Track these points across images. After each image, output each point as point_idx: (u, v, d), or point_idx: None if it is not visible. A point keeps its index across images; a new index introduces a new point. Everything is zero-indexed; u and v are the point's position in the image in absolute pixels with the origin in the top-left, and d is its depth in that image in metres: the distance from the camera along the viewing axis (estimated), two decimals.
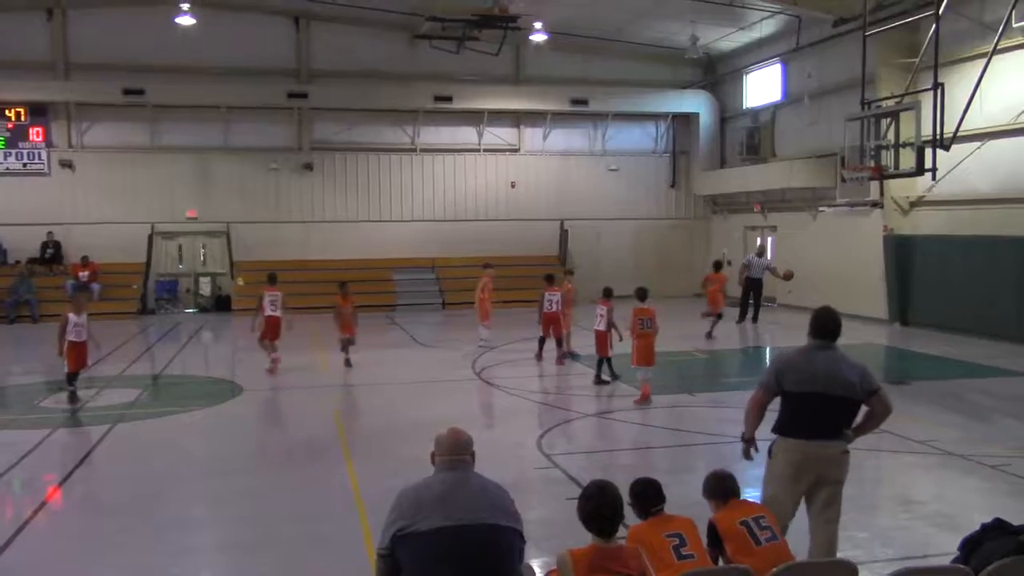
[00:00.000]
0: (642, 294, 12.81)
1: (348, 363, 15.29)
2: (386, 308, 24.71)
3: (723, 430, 10.65)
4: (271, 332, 15.04)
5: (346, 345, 15.47)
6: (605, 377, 13.41)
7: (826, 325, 5.67)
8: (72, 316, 12.23)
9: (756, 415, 5.81)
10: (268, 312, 15.04)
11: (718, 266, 20.48)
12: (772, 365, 5.77)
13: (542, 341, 15.82)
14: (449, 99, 26.14)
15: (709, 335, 18.68)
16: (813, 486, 5.59)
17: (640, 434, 10.82)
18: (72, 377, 12.24)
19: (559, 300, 15.58)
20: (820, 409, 5.50)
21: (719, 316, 18.98)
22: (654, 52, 27.13)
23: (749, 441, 5.85)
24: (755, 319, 20.82)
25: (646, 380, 12.20)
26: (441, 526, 3.87)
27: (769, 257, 22.71)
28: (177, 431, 11.18)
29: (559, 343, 15.63)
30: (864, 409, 5.64)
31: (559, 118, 27.75)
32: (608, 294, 13.83)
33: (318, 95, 25.77)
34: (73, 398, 12.17)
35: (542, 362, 15.72)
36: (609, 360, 13.42)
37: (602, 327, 13.31)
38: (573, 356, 15.83)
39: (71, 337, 12.11)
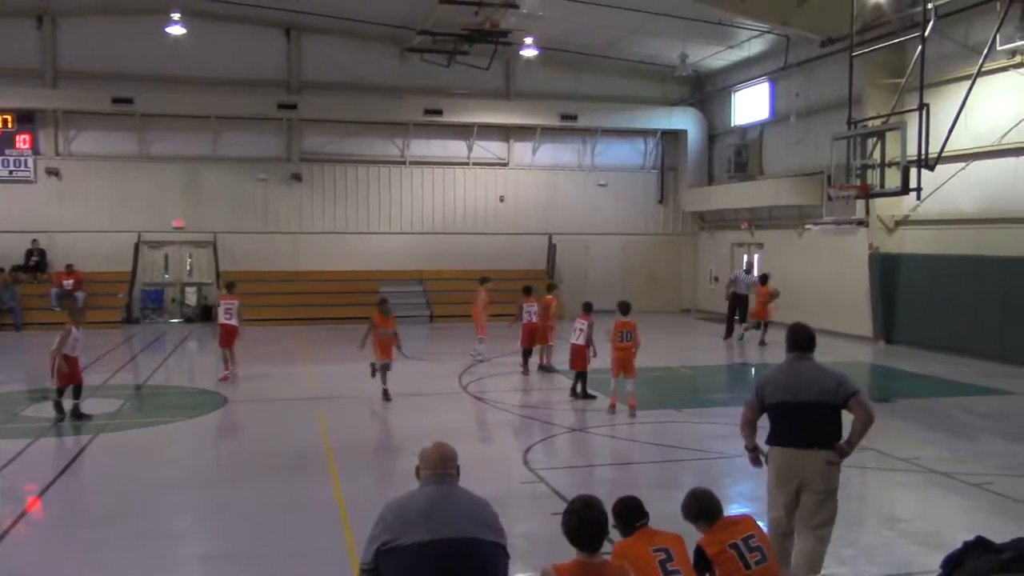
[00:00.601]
0: (624, 307, 12.90)
1: (386, 395, 13.30)
2: None
3: (709, 446, 10.68)
4: (224, 339, 15.26)
5: (384, 372, 13.53)
6: (578, 391, 13.42)
7: (800, 337, 6.02)
8: (74, 330, 11.81)
9: (748, 430, 6.17)
10: (222, 320, 15.34)
11: (764, 279, 20.98)
12: (754, 382, 6.17)
13: (526, 354, 15.98)
14: (439, 112, 26.21)
15: (762, 343, 19.64)
16: (800, 493, 5.82)
17: (626, 449, 10.83)
18: (62, 391, 11.83)
19: (536, 311, 15.89)
20: (800, 417, 5.79)
21: (765, 325, 19.92)
22: (644, 69, 27.32)
23: (753, 449, 6.20)
24: (741, 336, 20.96)
25: (627, 392, 12.29)
26: (425, 540, 3.85)
27: (756, 274, 22.88)
28: (161, 442, 11.09)
29: (532, 352, 16.01)
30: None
31: (548, 133, 27.87)
32: (588, 309, 13.84)
33: (308, 106, 25.79)
34: (59, 409, 11.77)
35: (529, 376, 15.80)
36: (584, 375, 13.39)
37: (580, 341, 13.35)
38: (551, 370, 15.86)
39: (67, 351, 11.70)
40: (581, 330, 13.39)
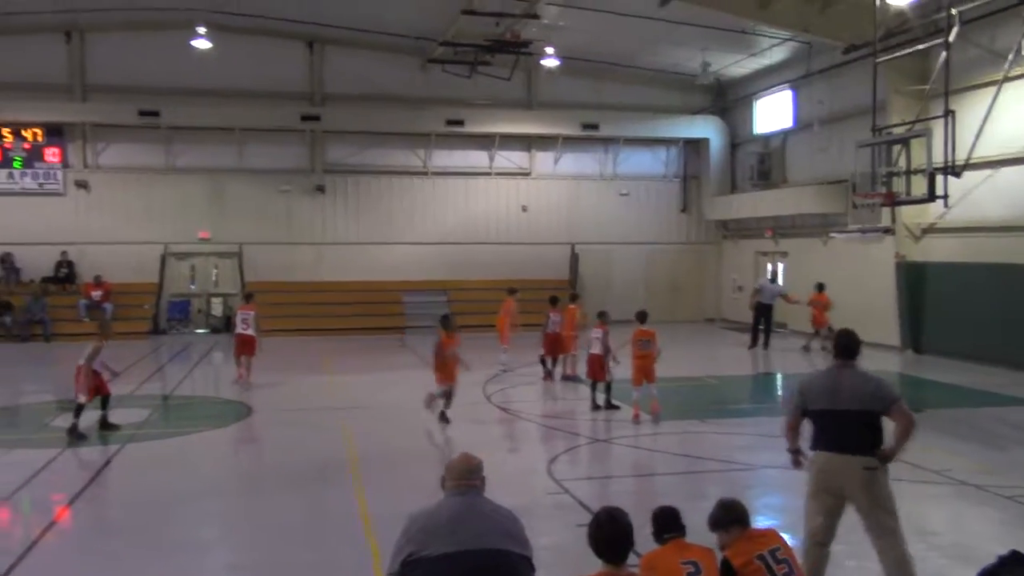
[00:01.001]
0: (642, 316, 13.01)
1: (445, 418, 12.22)
2: (396, 331, 24.73)
3: (734, 457, 10.59)
4: (240, 349, 15.76)
5: (447, 397, 12.39)
6: (599, 403, 13.27)
7: (846, 344, 6.11)
8: (104, 346, 11.71)
9: (792, 433, 6.25)
10: (239, 330, 15.83)
11: (821, 287, 20.90)
12: (797, 387, 6.20)
13: (544, 361, 16.31)
14: (461, 123, 26.30)
15: (824, 348, 19.39)
16: (844, 505, 5.91)
17: (651, 460, 10.76)
18: (82, 409, 11.43)
19: (561, 322, 16.03)
20: (842, 423, 5.85)
21: (826, 331, 19.62)
22: (665, 78, 27.27)
23: (795, 451, 6.27)
24: (766, 345, 20.83)
25: (640, 400, 12.40)
26: (450, 551, 3.85)
27: (780, 283, 22.74)
28: (187, 452, 11.17)
29: (558, 362, 16.25)
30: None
31: (570, 142, 27.87)
32: (603, 317, 13.62)
33: (331, 118, 25.99)
34: (76, 433, 11.21)
35: (552, 383, 15.95)
36: (609, 386, 13.26)
37: (597, 350, 13.19)
38: (575, 379, 15.87)
39: (96, 366, 11.59)
40: (598, 339, 13.28)
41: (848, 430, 5.81)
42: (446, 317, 13.38)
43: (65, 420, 12.41)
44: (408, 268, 26.89)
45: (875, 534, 5.87)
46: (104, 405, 11.91)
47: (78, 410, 11.40)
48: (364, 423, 12.68)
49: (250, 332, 15.68)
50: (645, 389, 12.36)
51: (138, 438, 11.64)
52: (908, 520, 8.45)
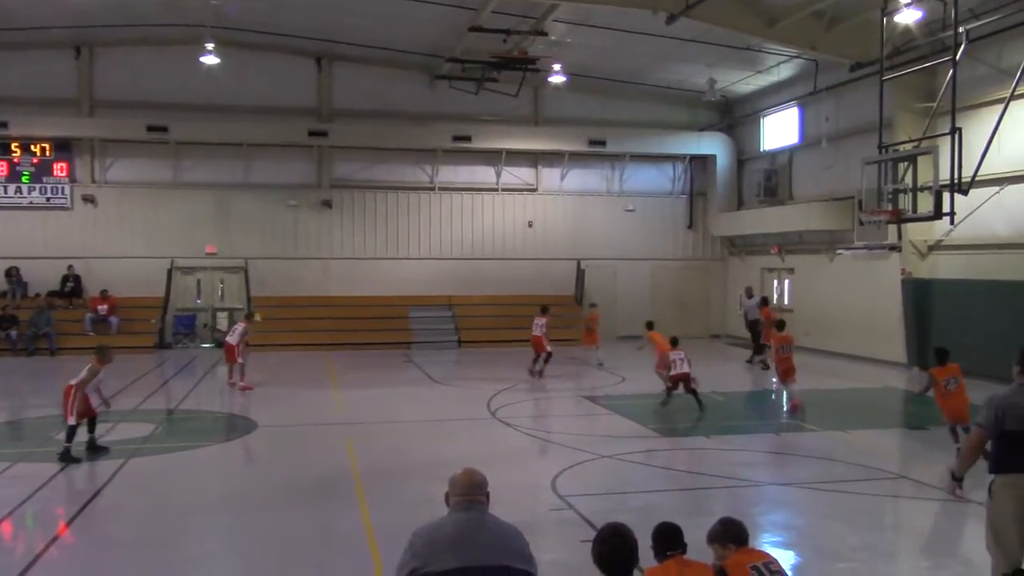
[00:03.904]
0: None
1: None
2: (402, 346, 24.73)
3: (739, 474, 10.55)
4: (225, 355, 17.40)
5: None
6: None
7: None
8: (101, 372, 11.40)
9: (974, 456, 5.95)
10: (227, 338, 17.50)
11: (764, 302, 21.50)
12: (990, 406, 5.84)
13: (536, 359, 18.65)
14: (468, 139, 26.39)
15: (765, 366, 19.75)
16: None
17: (655, 476, 10.71)
18: (75, 430, 11.03)
19: (544, 324, 18.63)
20: None
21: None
22: (672, 94, 27.35)
23: (960, 480, 6.01)
24: (750, 360, 21.05)
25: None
26: (455, 567, 3.83)
27: (756, 297, 22.82)
28: (191, 466, 11.16)
29: (538, 360, 18.51)
30: None
31: (577, 158, 27.94)
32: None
33: (338, 133, 26.10)
34: (69, 456, 10.84)
35: (536, 378, 18.21)
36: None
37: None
38: (600, 364, 20.09)
39: (88, 390, 11.26)
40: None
41: None
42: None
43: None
44: (414, 283, 26.91)
45: None
46: (91, 428, 11.43)
47: (70, 433, 10.98)
48: (369, 438, 12.66)
49: (231, 340, 17.04)
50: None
51: (142, 452, 11.63)
52: (913, 538, 8.42)
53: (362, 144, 26.51)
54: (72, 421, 10.99)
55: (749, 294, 23.37)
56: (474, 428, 13.81)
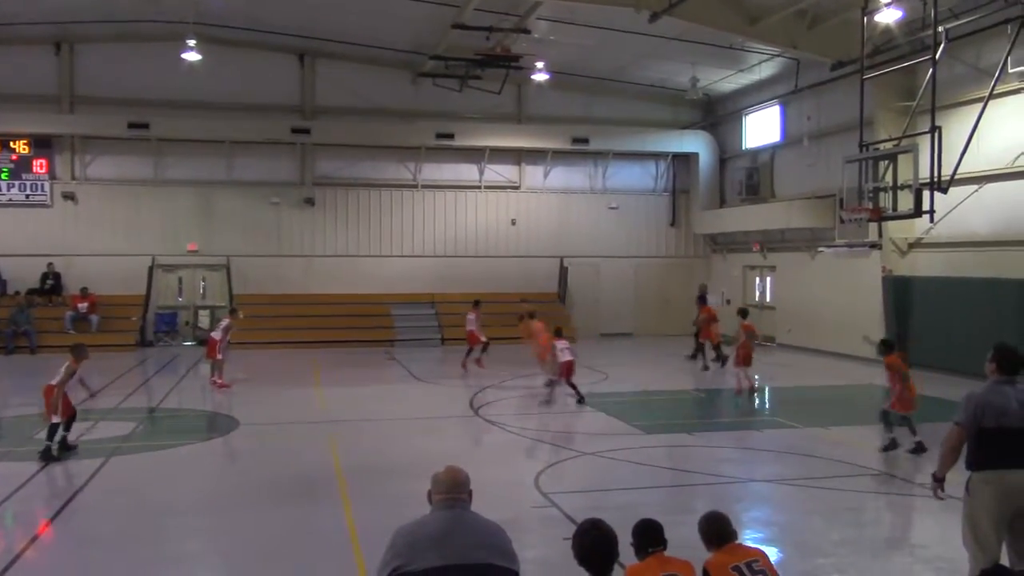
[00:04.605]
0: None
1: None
2: (385, 343, 24.68)
3: (721, 470, 10.60)
4: (207, 350, 17.67)
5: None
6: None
7: (1012, 360, 5.97)
8: (78, 370, 11.31)
9: (954, 456, 5.96)
10: (211, 333, 17.82)
11: (702, 299, 21.29)
12: (968, 404, 5.89)
13: (468, 352, 19.59)
14: (451, 136, 26.36)
15: (705, 367, 19.93)
16: (1014, 518, 5.67)
17: (638, 473, 10.75)
18: (61, 426, 11.06)
19: (475, 319, 19.51)
20: (1016, 441, 5.69)
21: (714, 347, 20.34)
22: (655, 93, 27.43)
23: (942, 480, 6.02)
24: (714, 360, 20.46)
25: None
26: (437, 566, 3.83)
27: (711, 298, 22.96)
28: (172, 465, 11.09)
29: (469, 352, 19.52)
30: None
31: (560, 156, 27.96)
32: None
33: (321, 131, 25.99)
34: (53, 456, 10.80)
35: (480, 367, 19.04)
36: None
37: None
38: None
39: (68, 387, 11.21)
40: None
41: (1022, 446, 5.69)
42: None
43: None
44: (397, 281, 26.87)
45: (1017, 544, 5.68)
46: (68, 427, 11.33)
47: (52, 431, 10.98)
48: (351, 436, 12.63)
49: (215, 335, 17.20)
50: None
51: (123, 451, 11.55)
52: (895, 533, 8.50)
53: (345, 141, 26.42)
54: (56, 419, 10.97)
55: (701, 294, 23.16)
56: (457, 426, 13.81)
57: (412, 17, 21.92)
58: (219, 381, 16.94)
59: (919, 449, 10.91)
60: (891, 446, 11.10)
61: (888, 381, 11.49)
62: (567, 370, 15.03)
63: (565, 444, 12.09)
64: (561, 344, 15.15)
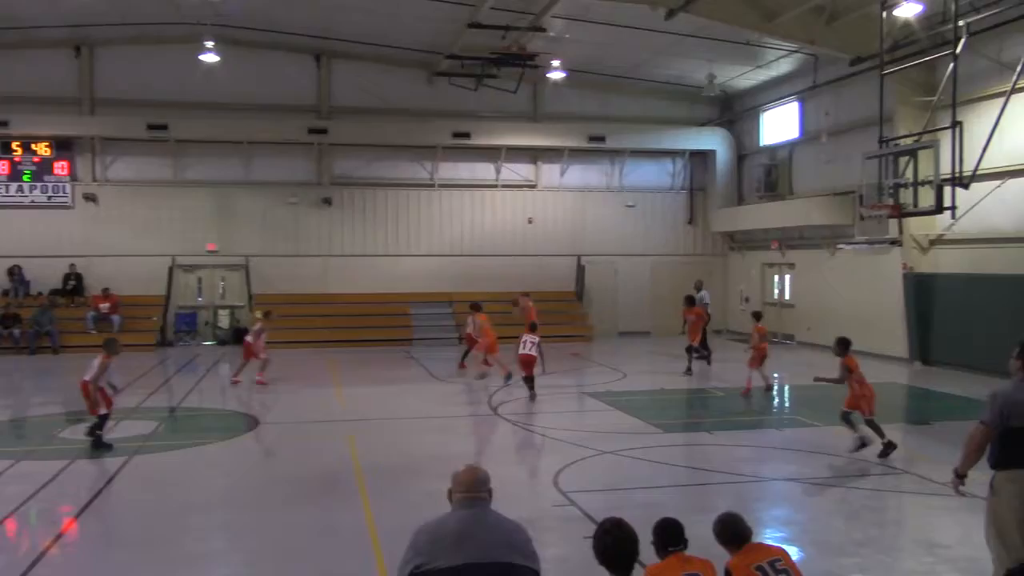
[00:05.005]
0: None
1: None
2: (403, 342, 24.74)
3: (741, 469, 10.56)
4: (244, 353, 18.04)
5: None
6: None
7: None
8: (111, 364, 11.66)
9: (978, 454, 5.89)
10: (247, 337, 18.25)
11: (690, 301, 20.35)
12: (994, 403, 5.83)
13: (465, 354, 19.40)
14: (467, 135, 26.39)
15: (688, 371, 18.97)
16: None
17: (658, 472, 10.72)
18: (104, 420, 11.54)
19: (472, 322, 18.75)
20: None
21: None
22: (671, 90, 27.33)
23: (963, 477, 5.97)
24: (697, 358, 19.75)
25: None
26: (457, 564, 3.84)
27: (704, 292, 22.62)
28: (194, 464, 11.18)
29: (467, 354, 19.27)
30: None
31: (576, 154, 27.92)
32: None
33: (338, 131, 26.09)
34: (106, 444, 11.42)
35: (463, 369, 18.93)
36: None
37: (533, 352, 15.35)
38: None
39: (102, 383, 11.58)
40: (533, 343, 15.28)
41: None
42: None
43: (73, 432, 12.48)
44: (414, 280, 26.92)
45: None
46: (101, 426, 11.56)
47: (101, 422, 11.43)
48: (371, 435, 12.67)
49: (248, 338, 17.76)
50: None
51: (145, 450, 11.65)
52: (917, 533, 8.43)
53: (362, 141, 26.50)
54: (103, 411, 11.45)
55: (699, 288, 22.58)
56: (476, 424, 13.83)
57: (428, 16, 21.95)
58: (259, 379, 17.24)
59: (890, 447, 10.59)
60: (861, 445, 10.75)
61: (848, 382, 10.92)
62: (524, 363, 15.34)
63: (584, 443, 12.07)
64: (529, 338, 15.44)
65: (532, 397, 15.18)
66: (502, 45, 22.59)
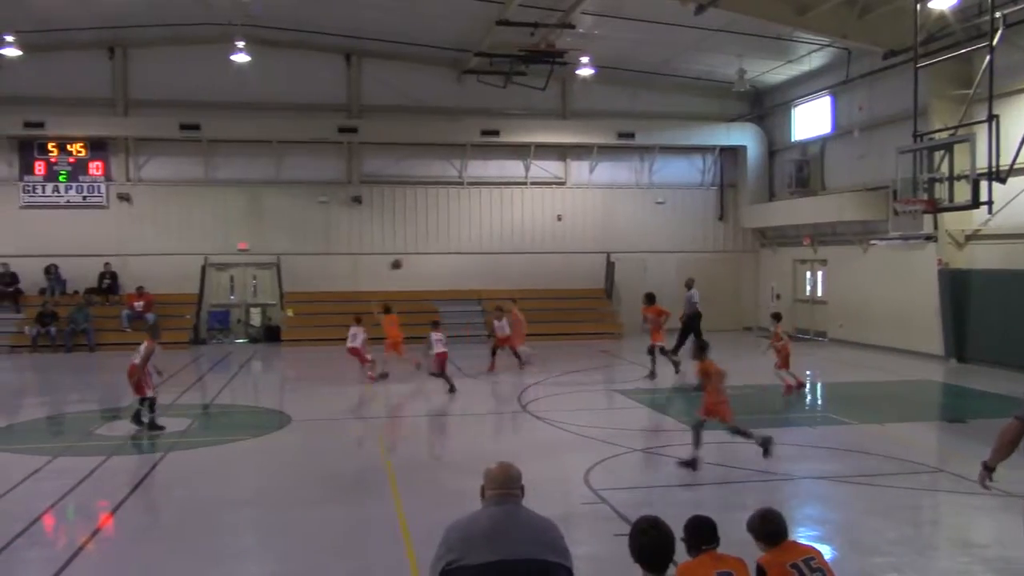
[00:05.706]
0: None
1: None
2: None
3: (773, 467, 10.46)
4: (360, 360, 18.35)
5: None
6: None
7: None
8: (156, 347, 12.65)
9: (1010, 449, 5.81)
10: (348, 344, 18.16)
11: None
12: None
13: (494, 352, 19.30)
14: (496, 133, 26.41)
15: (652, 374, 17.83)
16: None
17: (688, 470, 10.64)
18: (154, 401, 12.51)
19: (506, 324, 18.96)
20: None
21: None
22: (701, 85, 27.15)
23: (991, 470, 5.89)
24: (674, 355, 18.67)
25: None
26: (490, 561, 3.85)
27: (695, 291, 21.92)
28: (227, 460, 11.31)
29: (493, 352, 19.25)
30: None
31: (606, 151, 27.83)
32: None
33: (368, 130, 26.23)
34: (158, 426, 12.41)
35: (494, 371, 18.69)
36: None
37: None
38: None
39: (149, 367, 12.49)
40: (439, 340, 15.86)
41: None
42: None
43: (110, 429, 12.69)
44: (444, 278, 26.99)
45: None
46: (152, 407, 12.50)
47: (152, 404, 12.32)
48: (402, 432, 12.74)
49: (354, 344, 17.85)
50: None
51: (180, 446, 11.81)
52: (952, 532, 8.32)
53: (391, 140, 26.63)
54: (150, 393, 12.24)
55: (689, 286, 21.89)
56: (505, 422, 13.85)
57: (456, 14, 21.99)
58: (370, 374, 17.87)
59: (768, 443, 10.32)
60: (764, 447, 10.33)
61: (705, 389, 10.35)
62: (438, 362, 15.82)
63: (614, 440, 12.04)
64: (436, 336, 15.96)
65: (452, 389, 15.67)
66: (531, 42, 22.56)
